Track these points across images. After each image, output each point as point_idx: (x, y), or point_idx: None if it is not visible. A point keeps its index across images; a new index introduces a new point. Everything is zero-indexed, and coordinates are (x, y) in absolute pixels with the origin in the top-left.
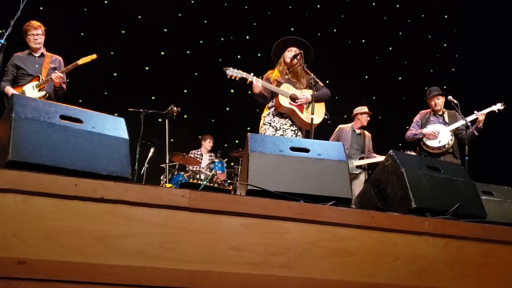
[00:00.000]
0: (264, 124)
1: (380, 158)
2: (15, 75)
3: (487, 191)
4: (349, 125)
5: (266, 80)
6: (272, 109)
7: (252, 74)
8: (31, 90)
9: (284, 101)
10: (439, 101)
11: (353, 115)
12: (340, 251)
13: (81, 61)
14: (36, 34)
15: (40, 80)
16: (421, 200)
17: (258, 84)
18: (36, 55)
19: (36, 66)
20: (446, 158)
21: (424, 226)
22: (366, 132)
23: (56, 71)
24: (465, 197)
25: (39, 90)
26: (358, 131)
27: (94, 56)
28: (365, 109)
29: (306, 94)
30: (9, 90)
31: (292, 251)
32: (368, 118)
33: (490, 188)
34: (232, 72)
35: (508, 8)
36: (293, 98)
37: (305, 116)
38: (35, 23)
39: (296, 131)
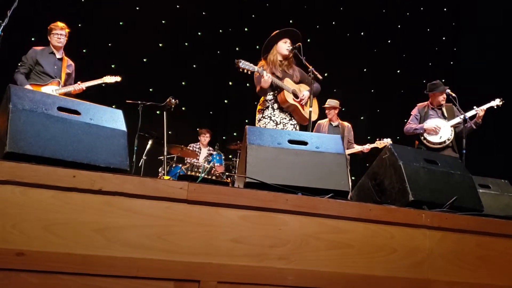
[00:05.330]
0: (263, 117)
1: (358, 148)
2: (32, 70)
3: (484, 184)
4: (326, 119)
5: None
6: (272, 102)
7: (262, 68)
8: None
9: (289, 98)
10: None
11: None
12: (338, 243)
13: (107, 80)
14: (60, 34)
15: (60, 86)
16: (418, 193)
17: (268, 79)
18: (57, 56)
19: (55, 68)
20: (445, 153)
21: (421, 218)
22: (345, 123)
23: (80, 83)
24: (462, 190)
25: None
26: (335, 123)
27: (118, 79)
28: (332, 102)
29: (304, 92)
30: (28, 87)
31: (290, 243)
32: (335, 112)
33: (487, 181)
34: (244, 65)
35: (506, 2)
36: (295, 94)
37: (305, 112)
38: (60, 23)
39: (295, 126)
